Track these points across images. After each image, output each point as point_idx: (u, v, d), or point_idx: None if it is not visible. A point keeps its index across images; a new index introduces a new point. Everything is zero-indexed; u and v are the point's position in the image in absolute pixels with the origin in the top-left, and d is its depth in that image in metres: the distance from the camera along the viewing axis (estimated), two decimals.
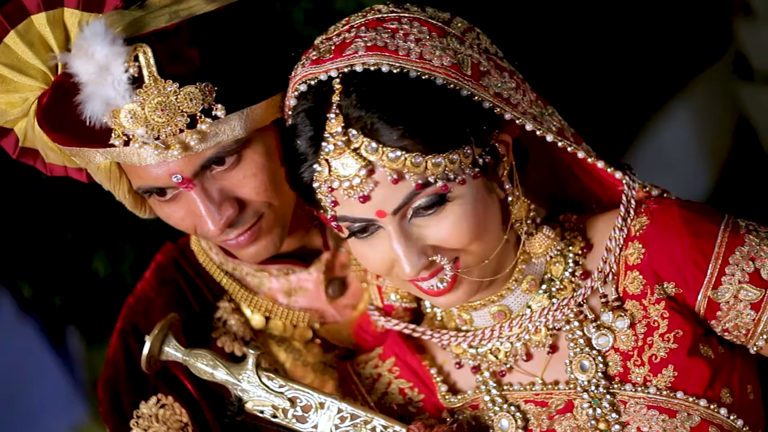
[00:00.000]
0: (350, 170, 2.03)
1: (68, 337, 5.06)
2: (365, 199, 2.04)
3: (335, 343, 2.52)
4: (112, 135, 2.17)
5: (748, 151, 6.31)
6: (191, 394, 2.45)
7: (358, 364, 2.42)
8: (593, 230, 2.27)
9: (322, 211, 2.16)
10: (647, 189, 2.25)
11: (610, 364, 2.18)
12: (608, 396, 2.16)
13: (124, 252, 4.98)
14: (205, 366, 2.33)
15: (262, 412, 2.32)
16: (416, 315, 2.42)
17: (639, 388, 2.15)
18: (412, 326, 2.35)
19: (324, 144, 2.05)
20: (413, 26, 2.10)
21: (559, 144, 2.17)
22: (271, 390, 2.30)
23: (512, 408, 2.24)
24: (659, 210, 2.19)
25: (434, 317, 2.36)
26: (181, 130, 2.15)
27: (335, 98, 2.05)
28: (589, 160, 2.21)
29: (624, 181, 2.23)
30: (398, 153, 2.01)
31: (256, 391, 2.30)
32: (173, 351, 2.36)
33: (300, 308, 2.52)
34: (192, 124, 2.15)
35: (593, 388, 2.17)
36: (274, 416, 2.31)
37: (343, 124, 2.03)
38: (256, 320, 2.51)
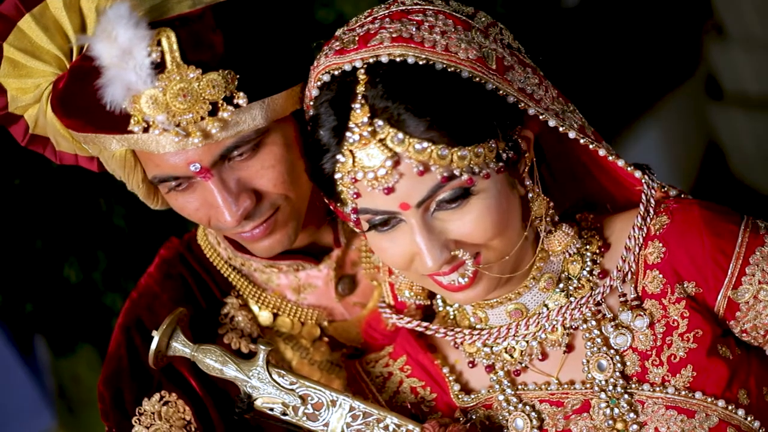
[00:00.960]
0: (375, 161, 2.01)
1: (36, 346, 5.00)
2: (389, 191, 2.02)
3: (343, 342, 2.49)
4: (131, 121, 2.13)
5: (717, 172, 6.37)
6: (195, 391, 2.40)
7: (367, 362, 2.39)
8: (610, 230, 2.26)
9: (339, 205, 2.13)
10: (665, 189, 2.25)
11: (628, 363, 2.17)
12: (626, 396, 2.14)
13: (96, 258, 4.92)
14: (214, 362, 2.29)
15: (271, 409, 2.28)
16: (427, 314, 2.39)
17: (657, 388, 2.13)
18: (425, 324, 2.32)
19: (348, 134, 2.03)
20: (438, 19, 2.09)
21: (581, 141, 2.16)
22: (282, 387, 2.26)
23: (527, 408, 2.22)
24: (680, 209, 2.18)
25: (447, 315, 2.34)
26: (202, 118, 2.11)
27: (360, 89, 2.03)
28: (610, 158, 2.20)
29: (643, 181, 2.22)
30: (425, 144, 1.99)
31: (266, 388, 2.26)
32: (181, 346, 2.31)
33: (309, 305, 2.49)
34: (213, 112, 2.12)
35: (611, 387, 2.15)
36: (284, 414, 2.27)
37: (368, 115, 2.01)
38: (264, 317, 2.48)
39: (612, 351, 2.17)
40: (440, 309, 2.35)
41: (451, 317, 2.33)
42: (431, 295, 2.35)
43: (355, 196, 2.06)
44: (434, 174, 2.01)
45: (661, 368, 2.14)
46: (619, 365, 2.16)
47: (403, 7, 2.12)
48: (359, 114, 2.01)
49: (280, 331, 2.47)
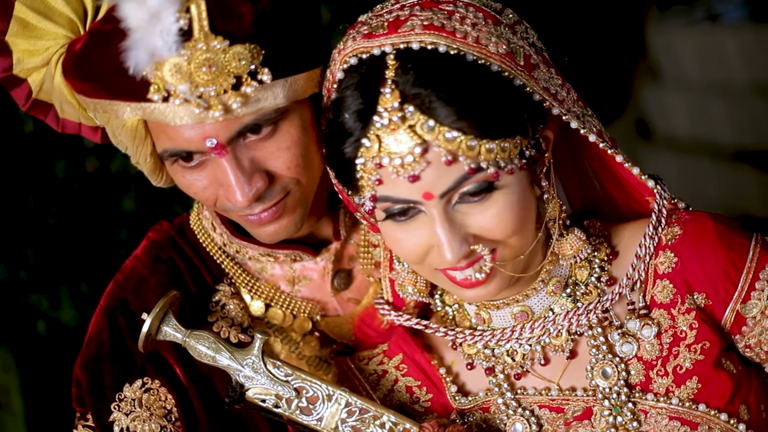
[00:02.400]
0: (403, 147, 1.97)
1: None
2: (415, 178, 1.98)
3: (334, 338, 2.44)
4: (151, 89, 2.06)
5: None
6: (180, 379, 2.33)
7: (360, 359, 2.34)
8: (618, 238, 2.25)
9: (351, 193, 2.10)
10: (675, 200, 2.25)
11: (632, 372, 2.15)
12: (630, 404, 2.13)
13: (25, 256, 4.80)
14: (207, 349, 2.22)
15: (264, 401, 2.21)
16: (423, 314, 2.35)
17: (661, 398, 2.12)
18: (424, 322, 2.28)
19: (376, 118, 1.99)
20: (468, 11, 2.07)
21: (601, 145, 2.15)
22: (277, 378, 2.20)
23: (527, 412, 2.19)
24: (692, 221, 2.18)
25: (446, 315, 2.30)
26: (225, 91, 2.05)
27: (389, 73, 1.99)
28: (626, 165, 2.19)
29: (656, 191, 2.21)
30: (455, 134, 1.96)
31: (260, 379, 2.20)
32: (172, 331, 2.24)
33: (302, 298, 2.43)
34: (237, 86, 2.06)
35: (614, 396, 2.14)
36: (277, 406, 2.20)
37: (399, 100, 1.97)
38: (256, 307, 2.41)
39: (617, 359, 2.15)
40: (438, 308, 2.31)
41: (450, 317, 2.29)
42: (431, 294, 2.31)
43: (376, 182, 2.02)
44: (461, 165, 1.98)
45: (666, 378, 2.13)
46: (623, 373, 2.15)
47: None
48: (389, 99, 1.98)
49: (271, 322, 2.40)
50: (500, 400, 2.21)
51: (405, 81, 1.98)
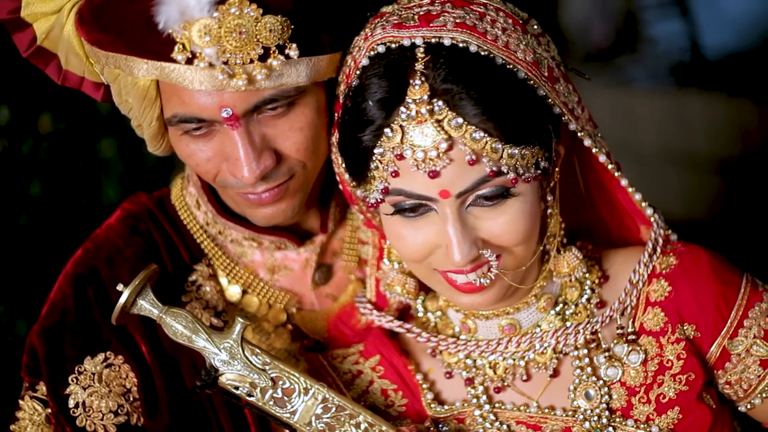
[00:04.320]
0: (428, 141, 1.94)
1: None
2: (435, 174, 1.95)
3: (306, 333, 2.36)
4: (176, 49, 1.99)
5: None
6: (144, 357, 2.24)
7: (333, 357, 2.28)
8: (609, 262, 2.24)
9: (355, 185, 2.07)
10: (669, 232, 2.26)
11: (615, 396, 2.14)
12: (610, 428, 2.12)
13: None
14: (183, 328, 2.14)
15: (237, 388, 2.13)
16: (402, 318, 2.31)
17: (641, 426, 2.11)
18: (407, 326, 2.24)
19: (403, 109, 1.95)
20: (499, 15, 2.05)
21: (609, 167, 2.16)
22: (254, 366, 2.13)
23: (504, 427, 2.16)
24: (688, 253, 2.19)
25: (427, 322, 2.27)
26: (251, 61, 2.00)
27: (419, 66, 1.96)
28: (630, 189, 2.20)
29: (653, 219, 2.22)
30: (481, 134, 1.94)
31: (236, 365, 2.12)
32: (149, 306, 2.15)
33: (280, 288, 2.36)
34: (263, 58, 2.00)
35: (595, 418, 2.12)
36: (250, 395, 2.13)
37: (428, 93, 1.94)
38: (232, 291, 2.33)
39: (600, 382, 2.14)
40: (420, 314, 2.27)
41: (432, 324, 2.26)
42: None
43: (392, 174, 1.98)
44: (483, 166, 1.96)
45: (648, 406, 2.13)
46: (606, 397, 2.13)
47: None
48: (418, 90, 1.94)
49: (245, 310, 2.32)
50: (477, 412, 2.17)
51: (435, 75, 1.95)
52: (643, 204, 2.22)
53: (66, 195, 4.62)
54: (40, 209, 4.66)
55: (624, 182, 2.19)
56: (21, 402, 2.27)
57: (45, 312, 2.28)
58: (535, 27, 2.12)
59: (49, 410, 2.24)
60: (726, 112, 5.70)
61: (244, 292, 2.34)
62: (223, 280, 2.33)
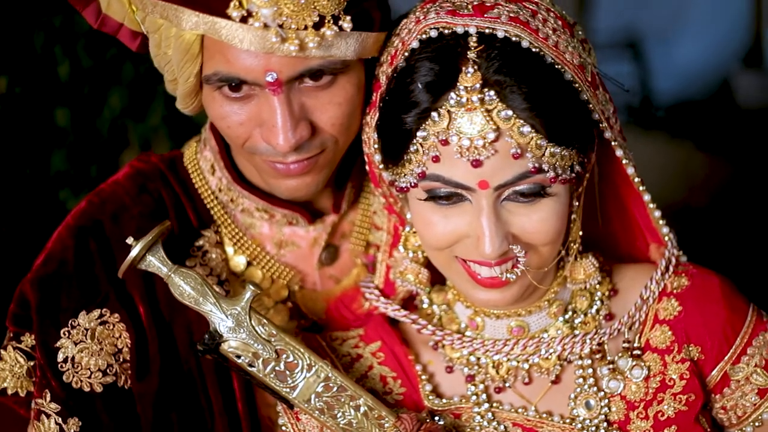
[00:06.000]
0: (476, 129, 1.93)
1: None
2: (478, 164, 1.94)
3: (305, 312, 2.33)
4: (232, 5, 1.95)
5: None
6: (140, 319, 2.18)
7: (333, 338, 2.25)
8: (619, 276, 2.25)
9: (384, 166, 2.06)
10: (680, 253, 2.27)
11: (614, 409, 2.14)
12: None
13: None
14: (191, 289, 2.08)
15: (238, 356, 2.09)
16: (405, 308, 2.28)
17: None
18: (413, 316, 2.22)
19: (453, 95, 1.94)
20: (549, 15, 2.06)
21: (635, 180, 2.18)
22: (259, 336, 2.08)
23: (501, 427, 2.15)
24: (700, 275, 2.21)
25: (432, 315, 2.25)
26: (306, 27, 1.97)
27: (471, 54, 1.95)
28: (651, 205, 2.22)
29: (668, 238, 2.24)
30: (529, 129, 1.94)
31: (241, 333, 2.08)
32: (158, 263, 2.09)
33: (285, 264, 2.32)
34: (317, 26, 1.97)
35: (593, 428, 2.13)
36: (251, 365, 2.09)
37: (480, 82, 1.93)
38: (236, 261, 2.29)
39: (601, 393, 2.15)
40: (425, 306, 2.25)
41: (437, 317, 2.24)
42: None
43: (433, 159, 1.96)
44: (526, 161, 1.95)
45: (645, 422, 2.13)
46: (605, 408, 2.14)
47: None
48: (471, 78, 1.93)
49: (247, 282, 2.27)
50: (476, 410, 2.16)
51: (488, 66, 1.95)
52: (661, 222, 2.24)
53: (12, 161, 4.47)
54: None
55: (647, 197, 2.21)
56: (2, 352, 2.20)
57: (41, 261, 2.21)
58: (580, 32, 2.13)
59: (32, 363, 2.17)
60: (669, 154, 5.79)
61: (249, 263, 2.30)
62: (229, 249, 2.29)
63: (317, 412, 2.09)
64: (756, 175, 5.43)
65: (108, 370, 2.16)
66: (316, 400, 2.09)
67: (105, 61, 3.88)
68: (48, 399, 2.14)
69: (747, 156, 5.61)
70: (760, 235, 4.89)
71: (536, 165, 1.96)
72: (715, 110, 6.30)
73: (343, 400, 2.10)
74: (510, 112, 1.93)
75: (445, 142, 1.95)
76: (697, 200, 5.33)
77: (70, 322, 2.15)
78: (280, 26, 1.95)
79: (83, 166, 3.93)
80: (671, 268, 2.22)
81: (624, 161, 2.15)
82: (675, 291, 2.19)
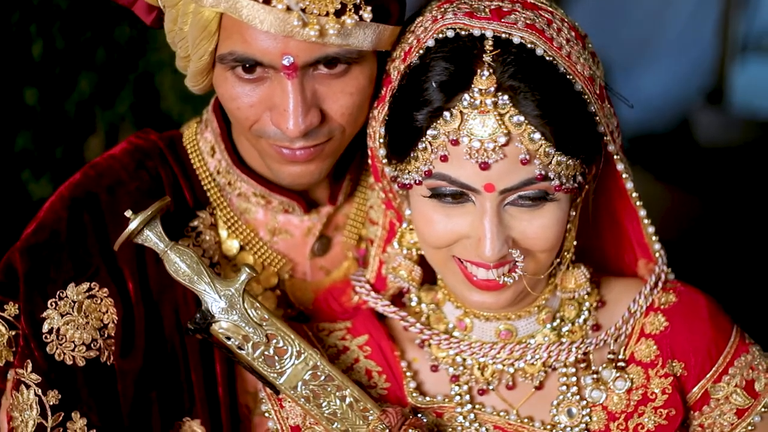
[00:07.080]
0: (487, 132, 1.95)
1: None
2: (486, 166, 1.96)
3: (293, 301, 2.33)
4: None
5: None
6: (129, 295, 2.16)
7: (320, 329, 2.25)
8: (608, 288, 2.28)
9: (387, 162, 2.07)
10: (669, 270, 2.30)
11: (594, 419, 2.17)
12: None
13: None
14: (186, 267, 2.08)
15: (228, 338, 2.08)
16: (393, 304, 2.29)
17: None
18: (402, 313, 2.23)
19: (467, 96, 1.96)
20: (564, 25, 2.08)
21: (633, 194, 2.21)
22: (251, 319, 2.08)
23: (482, 429, 2.16)
24: (687, 293, 2.24)
25: (420, 312, 2.26)
26: (327, 14, 1.97)
27: (487, 58, 1.97)
28: (646, 221, 2.25)
29: (658, 255, 2.27)
30: (539, 136, 1.96)
31: (233, 315, 2.08)
32: (155, 238, 2.09)
33: (277, 251, 2.31)
34: (339, 13, 1.98)
35: None
36: (241, 348, 2.08)
37: (495, 85, 1.95)
38: (229, 245, 2.28)
39: (583, 402, 2.17)
40: (413, 304, 2.26)
41: (425, 315, 2.25)
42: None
43: (441, 158, 1.98)
44: (533, 168, 1.97)
45: None
46: (586, 417, 2.16)
47: (534, 0, 2.09)
48: (485, 81, 1.95)
49: (238, 266, 2.26)
50: (458, 410, 2.17)
51: (503, 70, 1.97)
52: (654, 238, 2.26)
53: None
54: None
55: (642, 213, 2.24)
56: None
57: (31, 231, 2.19)
58: (590, 45, 2.15)
59: (14, 332, 2.15)
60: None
61: (242, 248, 2.30)
62: (223, 233, 2.28)
63: (303, 399, 2.09)
64: (720, 209, 5.50)
65: (92, 345, 2.14)
66: (303, 387, 2.09)
67: (79, 44, 3.85)
68: (29, 369, 2.11)
69: (708, 190, 5.68)
70: (723, 266, 4.96)
71: (543, 172, 1.98)
72: (675, 144, 6.37)
73: (329, 389, 2.10)
74: (522, 118, 1.95)
75: (456, 143, 1.96)
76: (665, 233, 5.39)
77: (57, 293, 2.13)
78: (303, 10, 1.95)
79: (48, 148, 3.88)
80: (660, 284, 2.25)
81: (624, 175, 2.18)
82: (662, 307, 2.22)
